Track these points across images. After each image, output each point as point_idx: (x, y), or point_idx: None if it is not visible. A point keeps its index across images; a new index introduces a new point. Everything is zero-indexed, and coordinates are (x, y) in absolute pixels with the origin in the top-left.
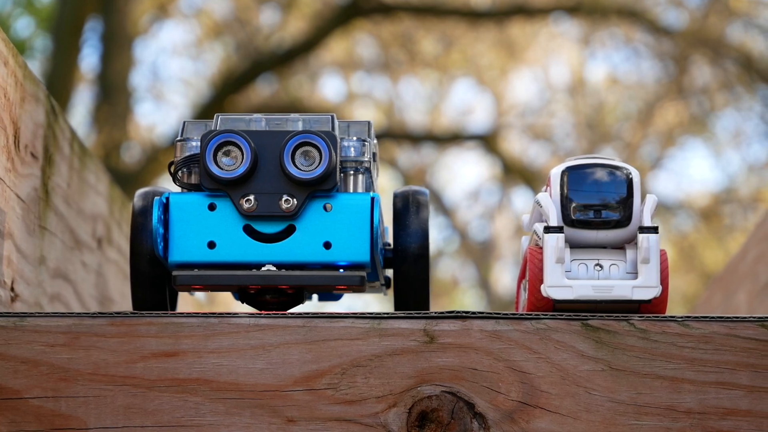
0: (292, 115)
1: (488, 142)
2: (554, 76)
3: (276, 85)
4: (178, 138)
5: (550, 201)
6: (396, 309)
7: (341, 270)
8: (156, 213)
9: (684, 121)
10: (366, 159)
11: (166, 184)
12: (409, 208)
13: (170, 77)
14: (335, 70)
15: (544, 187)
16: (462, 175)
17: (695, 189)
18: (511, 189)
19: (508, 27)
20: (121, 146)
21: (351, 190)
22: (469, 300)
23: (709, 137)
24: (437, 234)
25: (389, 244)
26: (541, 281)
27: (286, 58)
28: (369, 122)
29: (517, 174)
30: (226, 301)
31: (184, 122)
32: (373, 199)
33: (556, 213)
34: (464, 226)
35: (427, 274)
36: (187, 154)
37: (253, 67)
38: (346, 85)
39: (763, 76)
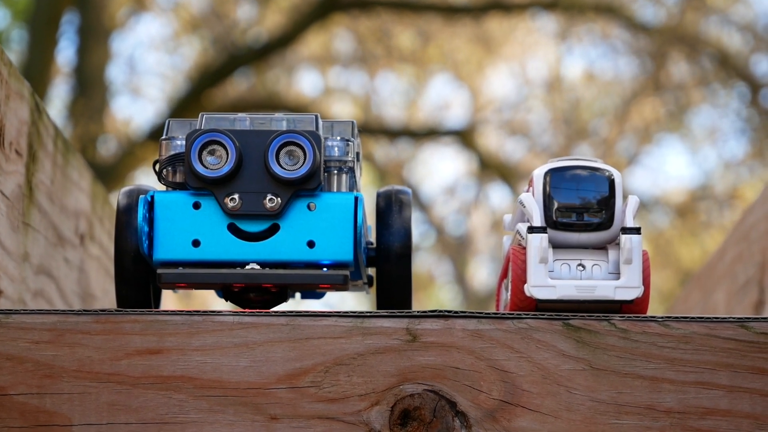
0: (277, 115)
1: (465, 137)
2: (531, 72)
3: (253, 80)
4: (163, 137)
5: (533, 201)
6: (378, 307)
7: (325, 269)
8: (141, 211)
9: (660, 118)
10: (350, 159)
11: (142, 178)
12: (392, 208)
13: (147, 71)
14: (312, 65)
15: (527, 187)
16: (438, 170)
17: (671, 185)
18: (488, 184)
19: (485, 22)
20: (97, 140)
21: (335, 190)
22: (446, 295)
23: (686, 133)
24: (413, 229)
25: (372, 243)
26: (524, 281)
27: (264, 53)
28: (353, 122)
29: (493, 169)
30: (204, 298)
31: (168, 121)
32: (356, 198)
33: (539, 213)
34: (440, 222)
35: (409, 273)
36: (172, 152)
37: (230, 61)
38: (323, 80)
39: (739, 72)
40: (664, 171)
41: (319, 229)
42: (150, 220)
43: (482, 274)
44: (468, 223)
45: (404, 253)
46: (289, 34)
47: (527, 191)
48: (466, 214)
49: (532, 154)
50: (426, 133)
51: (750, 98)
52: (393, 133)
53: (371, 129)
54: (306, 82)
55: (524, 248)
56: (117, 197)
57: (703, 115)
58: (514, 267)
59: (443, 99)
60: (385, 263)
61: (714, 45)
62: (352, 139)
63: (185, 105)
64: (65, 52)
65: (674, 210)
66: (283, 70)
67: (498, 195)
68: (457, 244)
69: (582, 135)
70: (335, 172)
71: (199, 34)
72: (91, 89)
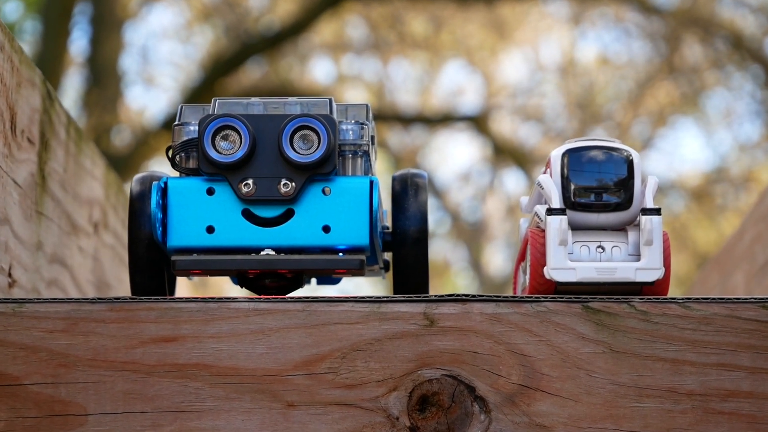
0: (290, 99)
1: (479, 123)
2: (544, 57)
3: (266, 68)
4: (176, 122)
5: (551, 183)
6: (395, 292)
7: (341, 254)
8: (154, 198)
9: (675, 101)
10: (364, 142)
11: (156, 167)
12: (408, 191)
13: (160, 60)
14: (325, 52)
15: (545, 168)
16: (453, 156)
17: (686, 169)
18: (502, 170)
19: (498, 7)
20: (111, 130)
21: (350, 174)
22: (462, 282)
23: (700, 117)
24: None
25: (388, 227)
26: (544, 264)
27: (276, 41)
28: (367, 105)
29: (508, 155)
30: (218, 287)
31: (181, 106)
32: (372, 182)
33: (557, 195)
34: (455, 208)
35: (426, 257)
36: (185, 138)
37: (242, 50)
38: (336, 67)
39: (753, 54)
40: (678, 154)
41: (335, 214)
42: (164, 207)
43: (498, 259)
44: (483, 208)
45: (420, 237)
46: (301, 22)
47: (545, 173)
48: (481, 200)
49: (546, 139)
50: (440, 120)
51: (764, 80)
52: (407, 120)
53: (385, 116)
54: (319, 70)
55: (543, 230)
56: (130, 184)
57: (718, 97)
58: (533, 250)
59: (457, 85)
60: (402, 247)
61: (728, 27)
62: (367, 122)
63: (198, 94)
64: (78, 43)
65: (689, 193)
66: (296, 58)
67: (512, 180)
68: (472, 230)
69: (596, 119)
70: (350, 155)
71: (211, 23)
72: (104, 79)
